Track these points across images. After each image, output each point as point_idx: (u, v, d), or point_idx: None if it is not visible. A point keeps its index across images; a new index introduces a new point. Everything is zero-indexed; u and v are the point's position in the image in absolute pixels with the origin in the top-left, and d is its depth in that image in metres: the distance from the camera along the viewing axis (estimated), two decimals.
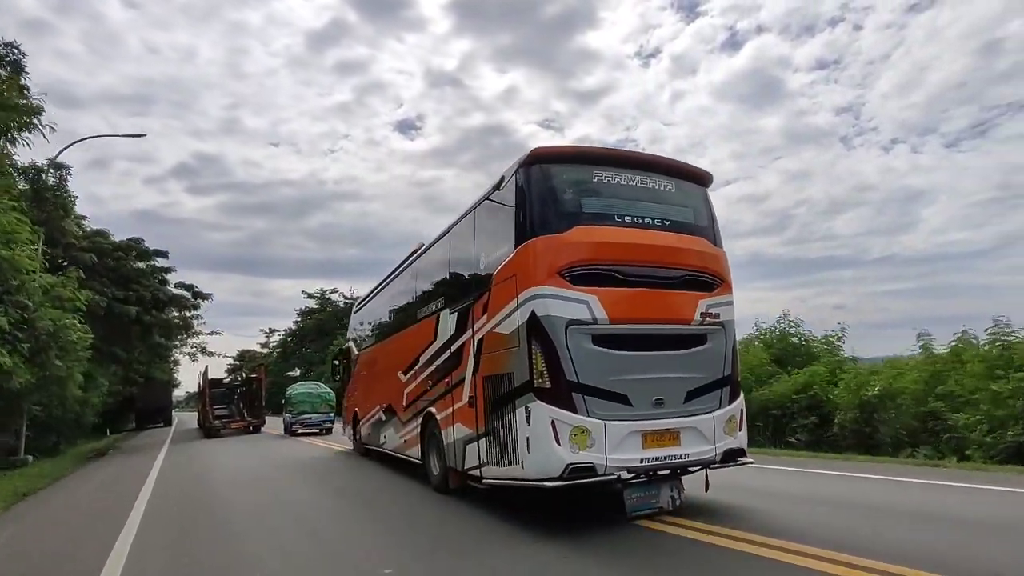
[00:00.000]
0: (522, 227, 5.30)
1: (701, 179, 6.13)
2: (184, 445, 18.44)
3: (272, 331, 68.35)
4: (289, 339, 60.91)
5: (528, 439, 4.97)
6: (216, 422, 22.58)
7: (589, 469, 4.83)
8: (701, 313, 5.59)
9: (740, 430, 5.66)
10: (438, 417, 7.23)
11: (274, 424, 27.69)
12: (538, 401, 4.91)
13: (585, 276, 5.14)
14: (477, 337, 6.06)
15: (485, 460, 5.82)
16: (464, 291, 6.59)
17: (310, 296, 57.32)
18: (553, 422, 4.84)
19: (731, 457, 5.53)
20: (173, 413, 41.82)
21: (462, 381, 6.46)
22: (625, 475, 4.99)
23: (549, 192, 5.31)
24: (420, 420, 7.96)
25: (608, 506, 5.58)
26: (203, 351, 34.49)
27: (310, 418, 21.42)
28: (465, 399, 6.37)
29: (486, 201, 6.22)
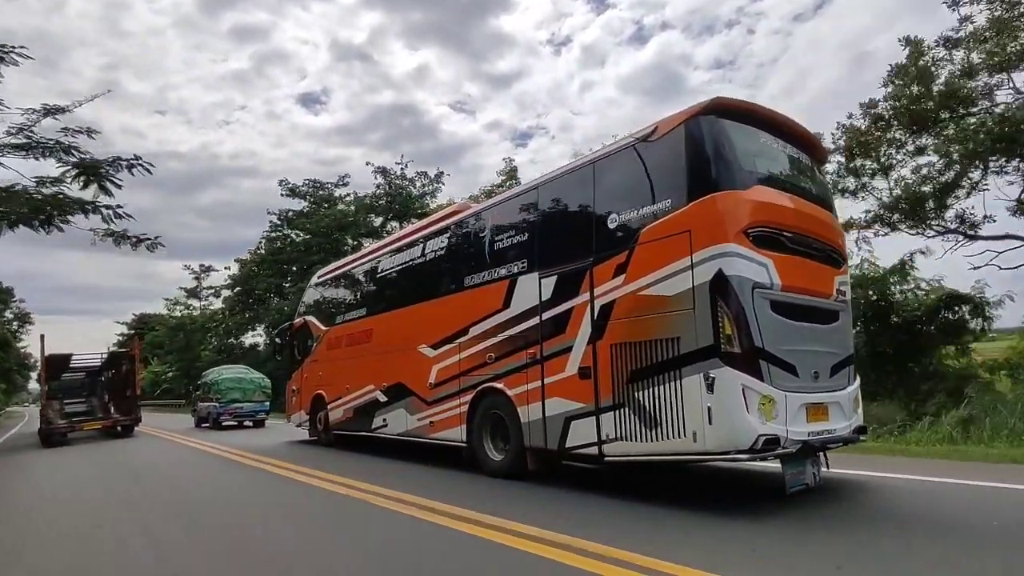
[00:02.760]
0: (701, 179, 4.87)
1: (825, 158, 6.15)
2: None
3: (206, 269, 46.06)
4: (254, 268, 34.80)
5: (710, 409, 4.53)
6: (62, 422, 14.90)
7: (775, 441, 4.53)
8: (837, 289, 5.58)
9: (859, 407, 5.72)
10: (510, 393, 6.50)
11: (165, 420, 23.41)
12: (726, 367, 4.50)
13: (765, 238, 4.86)
14: (603, 301, 5.48)
15: (612, 435, 5.27)
16: (571, 251, 5.96)
17: (292, 193, 33.14)
18: (744, 390, 4.48)
19: (859, 432, 5.56)
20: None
21: (566, 350, 5.84)
22: (796, 448, 4.76)
23: (731, 145, 4.94)
24: (469, 398, 7.13)
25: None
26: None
27: (241, 407, 18.23)
28: (571, 370, 5.76)
29: (620, 155, 5.68)
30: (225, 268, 38.70)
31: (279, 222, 34.13)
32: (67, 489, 7.56)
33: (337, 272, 11.50)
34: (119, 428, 16.16)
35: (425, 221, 9.26)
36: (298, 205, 33.65)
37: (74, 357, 17.49)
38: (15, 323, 39.40)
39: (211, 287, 44.90)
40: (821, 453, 5.38)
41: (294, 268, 32.87)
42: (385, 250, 9.79)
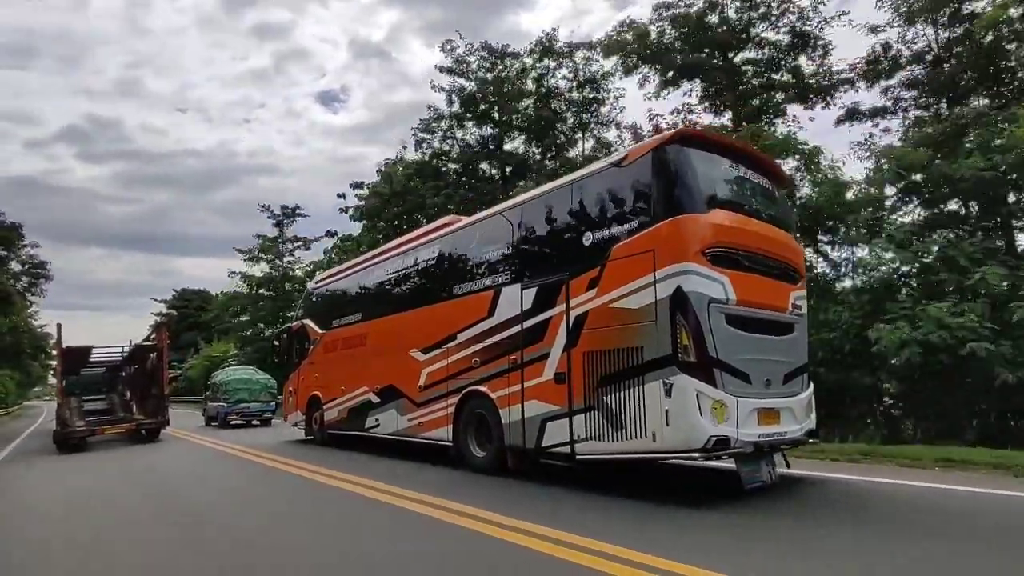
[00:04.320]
0: (666, 202, 5.37)
1: (788, 182, 6.66)
2: None
3: (291, 213, 34.31)
4: (412, 181, 24.06)
5: (668, 412, 5.02)
6: (80, 424, 13.14)
7: (726, 441, 5.01)
8: (792, 303, 6.08)
9: (813, 412, 6.20)
10: (492, 396, 6.97)
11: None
12: (682, 374, 4.99)
13: (722, 257, 5.35)
14: (577, 312, 5.97)
15: (583, 436, 5.75)
16: (550, 265, 6.46)
17: (456, 68, 23.12)
18: (698, 395, 4.96)
19: (810, 436, 6.05)
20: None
21: (543, 357, 6.32)
22: (748, 449, 5.24)
23: (693, 173, 5.44)
24: (455, 400, 7.60)
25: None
26: None
27: (248, 407, 18.77)
28: (548, 375, 6.24)
29: (596, 177, 6.18)
30: (340, 197, 27.29)
31: (451, 101, 22.68)
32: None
33: (334, 278, 11.98)
34: (143, 431, 13.98)
35: (417, 232, 9.75)
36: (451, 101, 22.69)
37: (95, 350, 15.54)
38: (24, 277, 28.83)
39: (299, 237, 33.65)
40: (777, 453, 5.87)
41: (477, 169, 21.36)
42: (380, 258, 10.28)
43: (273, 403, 19.36)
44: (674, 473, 6.96)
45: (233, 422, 18.68)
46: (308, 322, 12.51)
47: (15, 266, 29.53)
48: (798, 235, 6.86)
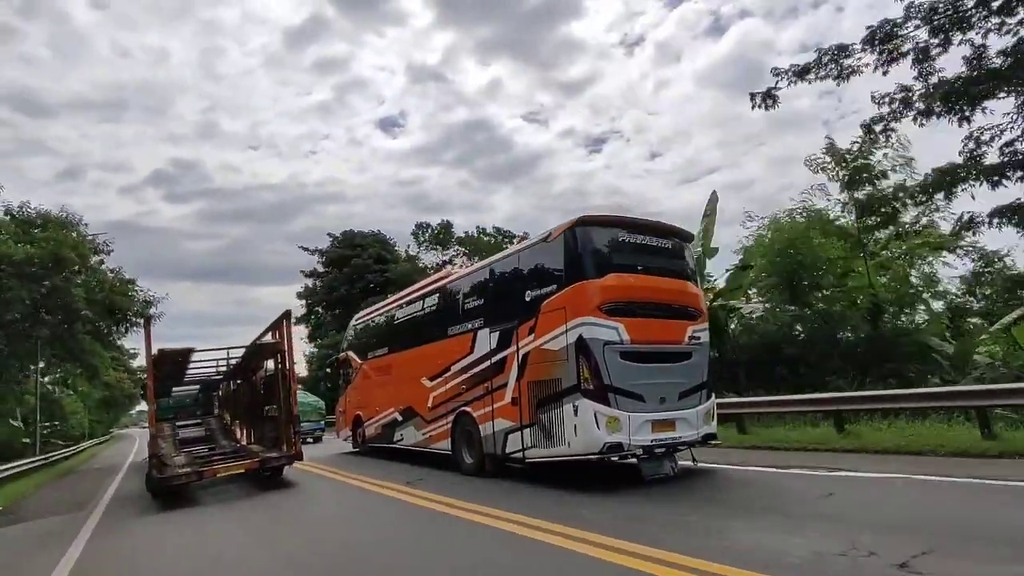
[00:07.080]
0: (571, 272, 7.32)
1: (688, 238, 8.42)
2: None
3: None
4: None
5: (576, 426, 6.95)
6: (179, 461, 9.85)
7: (618, 446, 6.87)
8: (689, 336, 7.81)
9: (713, 420, 7.89)
10: (475, 415, 9.03)
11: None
12: (584, 399, 6.90)
13: (616, 309, 7.21)
14: (522, 351, 7.97)
15: (529, 444, 7.73)
16: (506, 314, 8.47)
17: None
18: (595, 413, 6.85)
19: (708, 439, 7.75)
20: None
21: (504, 385, 8.34)
22: (640, 452, 7.07)
23: (592, 247, 7.37)
24: (451, 418, 9.71)
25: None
26: None
27: (300, 427, 21.76)
28: (507, 399, 8.25)
29: (532, 249, 8.20)
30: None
31: None
32: None
33: (368, 317, 14.46)
34: (264, 470, 10.04)
35: (424, 282, 11.99)
36: None
37: (195, 354, 11.45)
38: None
39: None
40: (677, 452, 7.61)
41: None
42: (400, 302, 12.62)
43: (322, 422, 22.02)
44: (617, 469, 8.76)
45: None
46: (351, 354, 15.05)
47: None
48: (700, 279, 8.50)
